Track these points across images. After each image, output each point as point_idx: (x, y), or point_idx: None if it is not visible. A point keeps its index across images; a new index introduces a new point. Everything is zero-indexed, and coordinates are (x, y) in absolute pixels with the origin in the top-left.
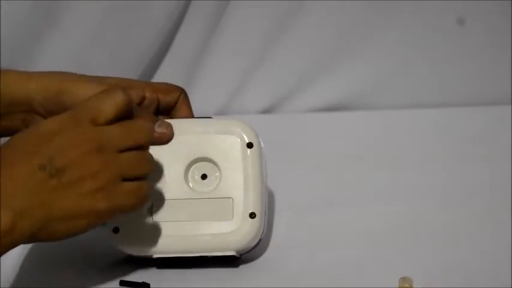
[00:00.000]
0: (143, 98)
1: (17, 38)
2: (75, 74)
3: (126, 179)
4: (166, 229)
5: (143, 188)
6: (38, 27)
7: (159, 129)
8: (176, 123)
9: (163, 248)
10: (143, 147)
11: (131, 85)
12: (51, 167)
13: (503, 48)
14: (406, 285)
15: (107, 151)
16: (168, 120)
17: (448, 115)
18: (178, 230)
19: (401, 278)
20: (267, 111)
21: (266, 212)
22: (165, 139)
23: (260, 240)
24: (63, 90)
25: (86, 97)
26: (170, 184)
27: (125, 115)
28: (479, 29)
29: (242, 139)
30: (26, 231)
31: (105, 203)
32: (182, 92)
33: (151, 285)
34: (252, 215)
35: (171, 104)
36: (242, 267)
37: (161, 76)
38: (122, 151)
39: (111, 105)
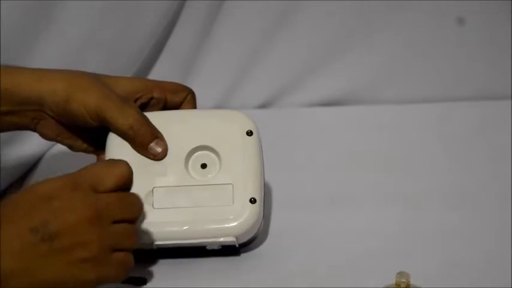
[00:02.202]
0: (151, 98)
1: (12, 37)
2: (83, 76)
3: (114, 250)
4: (166, 216)
5: (130, 260)
6: (34, 26)
7: (155, 148)
8: (177, 113)
9: (163, 235)
10: (133, 221)
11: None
12: (44, 231)
13: (503, 43)
14: (403, 280)
15: (101, 221)
16: (170, 111)
17: (447, 110)
18: (178, 216)
19: (398, 272)
20: (263, 106)
21: (264, 201)
22: (158, 158)
23: (258, 233)
24: (71, 98)
25: (92, 106)
26: (171, 172)
27: (123, 187)
28: (479, 23)
29: (242, 127)
30: None
31: (94, 274)
32: (190, 93)
33: (147, 280)
34: (253, 200)
35: (178, 104)
36: (241, 262)
37: (157, 73)
38: (115, 222)
39: (113, 176)
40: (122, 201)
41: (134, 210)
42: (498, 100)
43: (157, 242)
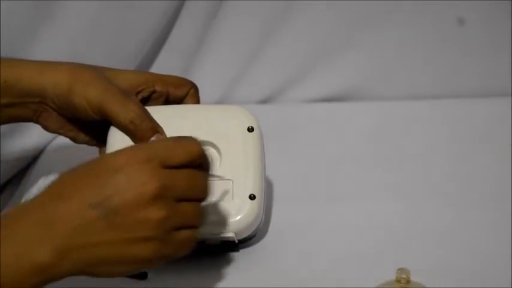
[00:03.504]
0: (153, 92)
1: (13, 31)
2: (85, 69)
3: (177, 228)
4: None
5: (193, 237)
6: (35, 19)
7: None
8: (178, 108)
9: None
10: (200, 201)
11: (142, 80)
12: (104, 207)
13: (502, 39)
14: (404, 276)
15: (166, 198)
16: (171, 106)
17: (447, 106)
18: None
19: (399, 268)
20: (265, 101)
21: (265, 196)
22: None
23: (258, 229)
24: (73, 91)
25: (94, 100)
26: None
27: (193, 163)
28: (479, 20)
29: (243, 123)
30: (65, 270)
31: (154, 253)
32: (193, 87)
33: (148, 275)
34: (252, 197)
35: (180, 98)
36: (240, 257)
37: (159, 67)
38: (181, 200)
39: (184, 151)
40: (190, 179)
41: (202, 191)
42: (498, 97)
43: None
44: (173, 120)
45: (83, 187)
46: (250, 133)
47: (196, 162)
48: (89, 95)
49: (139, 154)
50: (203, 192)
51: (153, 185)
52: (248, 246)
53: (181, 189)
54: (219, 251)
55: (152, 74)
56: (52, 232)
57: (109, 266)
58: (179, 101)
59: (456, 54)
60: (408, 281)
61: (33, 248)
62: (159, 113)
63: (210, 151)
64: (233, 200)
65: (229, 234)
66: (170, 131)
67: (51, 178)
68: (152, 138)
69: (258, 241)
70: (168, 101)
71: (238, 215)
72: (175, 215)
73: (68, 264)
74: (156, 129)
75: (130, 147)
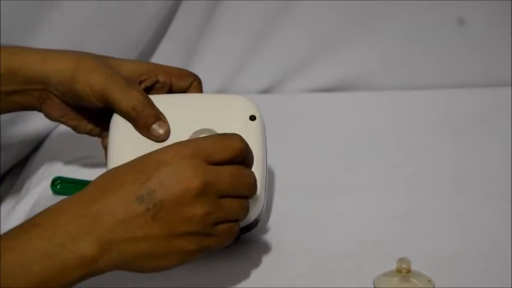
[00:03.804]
0: (156, 82)
1: (15, 18)
2: (88, 57)
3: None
4: None
5: (235, 230)
6: (37, 7)
7: (157, 129)
8: (181, 97)
9: None
10: (246, 197)
11: (145, 70)
12: (149, 200)
13: (502, 30)
14: (404, 265)
15: (209, 194)
16: (174, 95)
17: (448, 96)
18: None
19: (399, 258)
20: (266, 91)
21: (266, 186)
22: (160, 140)
23: (259, 219)
24: (76, 78)
25: (97, 86)
26: None
27: (238, 160)
28: (480, 10)
29: (245, 112)
30: (110, 263)
31: (196, 246)
32: (196, 79)
33: None
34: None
35: (183, 89)
36: (240, 247)
37: (159, 57)
38: (224, 196)
39: (228, 148)
40: (234, 176)
41: (247, 189)
42: (499, 87)
43: None
44: (175, 109)
45: (128, 181)
46: (252, 122)
47: (239, 158)
48: (92, 82)
49: (184, 150)
50: (248, 188)
51: (197, 180)
52: (249, 236)
53: (224, 185)
54: None
55: (155, 64)
56: (97, 225)
57: (151, 260)
58: (182, 92)
59: (456, 44)
60: (409, 271)
61: (77, 241)
62: (161, 101)
63: None
64: None
65: None
66: (172, 119)
67: (52, 168)
68: (153, 126)
69: (258, 230)
70: (171, 91)
71: None
72: (218, 211)
73: (112, 257)
74: (158, 116)
75: (176, 144)
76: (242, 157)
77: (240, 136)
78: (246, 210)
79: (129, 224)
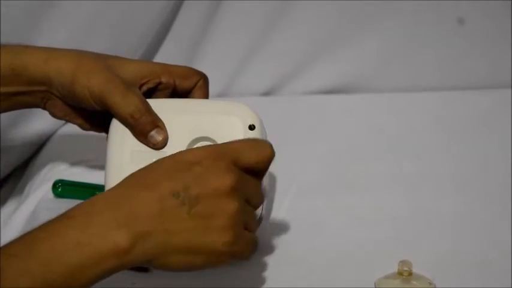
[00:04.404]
0: (159, 83)
1: (16, 19)
2: (89, 58)
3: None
4: None
5: (256, 242)
6: (37, 9)
7: (155, 136)
8: (180, 102)
9: None
10: (256, 207)
11: (147, 71)
12: (185, 195)
13: (503, 31)
14: (406, 268)
15: (240, 193)
16: (174, 100)
17: (448, 98)
18: None
19: (401, 261)
20: (267, 93)
21: (266, 194)
22: (157, 147)
23: (260, 222)
24: (76, 81)
25: (96, 90)
26: None
27: (262, 168)
28: (479, 11)
29: (244, 121)
30: (143, 255)
31: (229, 244)
32: (202, 78)
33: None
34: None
35: (188, 89)
36: None
37: (161, 58)
38: (247, 201)
39: (257, 154)
40: (256, 184)
41: (261, 198)
42: (499, 89)
43: None
44: (174, 115)
45: (163, 178)
46: (251, 131)
47: (265, 166)
48: (91, 85)
49: (214, 151)
50: (261, 200)
51: (231, 178)
52: None
53: (250, 189)
54: None
55: (159, 64)
56: (131, 217)
57: (183, 256)
58: (186, 92)
59: (457, 46)
60: (410, 274)
61: (111, 230)
62: (160, 106)
63: None
64: None
65: None
66: (170, 126)
67: (54, 170)
68: (151, 133)
69: (259, 234)
70: (175, 92)
71: None
72: (246, 212)
73: (145, 249)
74: (156, 123)
75: (206, 146)
76: (268, 166)
77: (271, 144)
78: (256, 219)
79: (164, 217)
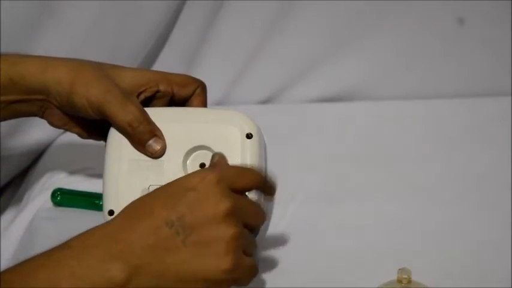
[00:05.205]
0: (157, 91)
1: (15, 28)
2: (87, 67)
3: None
4: None
5: (257, 267)
6: (37, 16)
7: (153, 146)
8: (178, 111)
9: None
10: (255, 230)
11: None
12: (179, 224)
13: (503, 39)
14: (405, 276)
15: (237, 217)
16: (172, 109)
17: (448, 106)
18: None
19: (400, 269)
20: (266, 101)
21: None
22: (155, 156)
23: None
24: (74, 91)
25: (94, 100)
26: (168, 170)
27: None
28: (479, 20)
29: (241, 130)
30: (141, 286)
31: (227, 272)
32: (200, 86)
33: None
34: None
35: (186, 97)
36: None
37: (160, 67)
38: (244, 225)
39: (251, 179)
40: (254, 206)
41: (260, 219)
42: (499, 97)
43: None
44: (172, 124)
45: (158, 207)
46: (248, 140)
47: (259, 187)
48: (89, 95)
49: (210, 175)
50: (261, 221)
51: (226, 203)
52: None
53: (247, 213)
54: None
55: (157, 72)
56: (127, 250)
57: (182, 284)
58: (185, 100)
59: (456, 54)
60: (409, 281)
61: (107, 263)
62: (158, 115)
63: (209, 156)
64: None
65: None
66: (168, 135)
67: (53, 179)
68: (149, 142)
69: (258, 241)
70: (173, 100)
71: None
72: (244, 237)
73: (141, 282)
74: (154, 132)
75: (202, 170)
76: (262, 187)
77: (261, 173)
78: (256, 242)
79: (158, 248)
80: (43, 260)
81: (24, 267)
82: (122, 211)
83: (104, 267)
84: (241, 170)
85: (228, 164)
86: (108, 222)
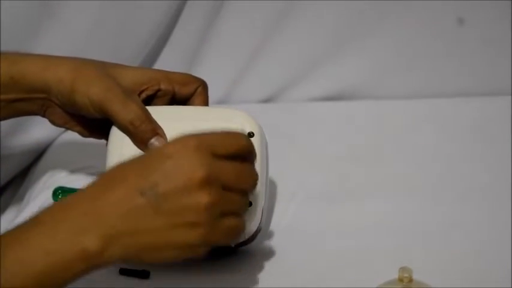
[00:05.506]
0: (158, 90)
1: (15, 28)
2: (88, 66)
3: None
4: None
5: (241, 226)
6: (37, 16)
7: (155, 144)
8: (180, 110)
9: None
10: (246, 192)
11: (146, 78)
12: (152, 193)
13: (502, 38)
14: (406, 274)
15: (213, 184)
16: (173, 107)
17: (449, 105)
18: None
19: (401, 267)
20: (267, 100)
21: (265, 202)
22: None
23: (257, 232)
24: (75, 89)
25: (95, 99)
26: None
27: (242, 157)
28: (479, 19)
29: (243, 128)
30: (114, 256)
31: (202, 238)
32: (201, 84)
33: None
34: (249, 204)
35: (187, 96)
36: (241, 257)
37: (161, 66)
38: (227, 189)
39: (234, 143)
40: (237, 170)
41: (249, 183)
42: (498, 96)
43: None
44: (173, 122)
45: (131, 175)
46: (250, 138)
47: (244, 154)
48: (90, 94)
49: (189, 142)
50: (250, 183)
51: (201, 171)
52: (249, 246)
53: (228, 178)
54: (215, 255)
55: (158, 71)
56: (100, 220)
57: (156, 252)
58: (186, 99)
59: (456, 53)
60: (410, 280)
61: (80, 235)
62: (160, 113)
63: None
64: None
65: None
66: (170, 133)
67: (54, 178)
68: (151, 141)
69: (258, 241)
70: (174, 99)
71: None
72: (222, 202)
73: (116, 251)
74: (156, 131)
75: (181, 137)
76: (246, 153)
77: (245, 134)
78: (246, 203)
79: (131, 217)
80: (13, 239)
81: None
82: (97, 178)
83: (76, 239)
84: (223, 134)
85: (212, 131)
86: (80, 193)
